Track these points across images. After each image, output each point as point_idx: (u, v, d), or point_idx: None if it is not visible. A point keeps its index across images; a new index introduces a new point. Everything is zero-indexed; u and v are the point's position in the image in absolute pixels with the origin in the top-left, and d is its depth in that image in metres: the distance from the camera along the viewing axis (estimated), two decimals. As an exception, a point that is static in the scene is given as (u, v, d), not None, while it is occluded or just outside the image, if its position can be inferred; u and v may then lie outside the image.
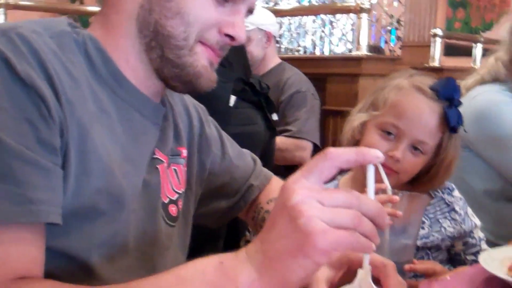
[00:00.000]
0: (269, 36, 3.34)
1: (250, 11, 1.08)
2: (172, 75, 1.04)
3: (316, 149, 3.12)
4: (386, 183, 1.33)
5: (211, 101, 2.20)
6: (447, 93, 1.47)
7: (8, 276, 0.79)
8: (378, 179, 1.31)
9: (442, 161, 1.52)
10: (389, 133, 1.48)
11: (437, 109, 1.47)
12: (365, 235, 0.70)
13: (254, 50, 3.24)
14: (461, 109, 2.06)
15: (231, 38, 1.05)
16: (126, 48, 1.03)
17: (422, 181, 1.55)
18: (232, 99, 2.44)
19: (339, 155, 0.72)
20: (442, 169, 1.53)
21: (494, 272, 1.20)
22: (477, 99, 2.05)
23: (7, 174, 0.81)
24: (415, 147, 1.47)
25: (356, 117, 1.57)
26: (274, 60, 3.45)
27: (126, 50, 1.03)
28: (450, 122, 1.47)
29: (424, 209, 1.36)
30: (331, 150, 0.72)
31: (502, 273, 1.19)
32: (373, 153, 0.73)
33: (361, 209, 0.70)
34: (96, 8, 3.82)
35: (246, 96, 2.52)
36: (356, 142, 1.55)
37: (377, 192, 0.82)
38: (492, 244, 1.66)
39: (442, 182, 1.58)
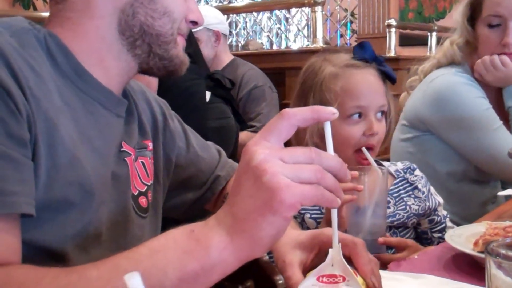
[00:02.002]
0: (217, 35, 3.34)
1: None
2: (159, 66, 1.11)
3: None
4: (373, 164, 1.37)
5: (189, 98, 2.23)
6: (371, 55, 1.53)
7: None
8: (367, 163, 1.37)
9: (389, 113, 1.59)
10: (353, 115, 1.50)
11: (374, 72, 1.53)
12: (329, 189, 0.72)
13: (204, 50, 3.22)
14: (420, 93, 2.11)
15: (194, 23, 1.13)
16: (102, 49, 1.06)
17: None
18: (207, 95, 2.46)
19: (295, 114, 0.73)
20: (392, 125, 1.61)
21: (460, 248, 1.22)
22: (435, 82, 2.09)
23: None
24: (378, 113, 1.52)
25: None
26: (226, 58, 3.46)
27: (101, 51, 1.06)
28: (391, 76, 1.54)
29: (386, 181, 1.39)
30: (287, 110, 0.74)
31: (468, 249, 1.21)
32: (328, 110, 0.75)
33: (322, 164, 0.72)
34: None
35: (217, 91, 2.55)
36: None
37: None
38: (457, 225, 1.68)
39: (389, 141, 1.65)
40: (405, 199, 1.59)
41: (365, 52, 1.53)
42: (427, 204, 1.60)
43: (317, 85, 1.55)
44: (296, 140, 1.51)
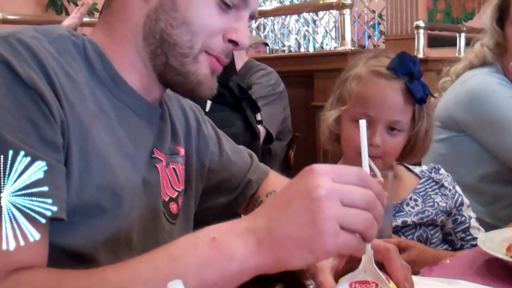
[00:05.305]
0: None
1: (252, 16, 1.11)
2: (175, 82, 1.07)
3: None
4: (376, 171, 1.36)
5: None
6: (404, 69, 1.51)
7: (9, 267, 0.80)
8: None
9: (418, 131, 1.57)
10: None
11: (398, 86, 1.51)
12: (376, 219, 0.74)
13: None
14: (452, 93, 2.08)
15: (235, 43, 1.07)
16: (132, 55, 1.06)
17: (402, 154, 1.60)
18: (208, 104, 2.46)
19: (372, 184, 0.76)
20: (420, 139, 1.58)
21: (492, 253, 1.21)
22: (468, 82, 2.07)
23: None
24: (391, 128, 1.52)
25: (328, 115, 1.62)
26: (240, 62, 3.41)
27: (131, 57, 1.06)
28: (416, 95, 1.51)
29: (392, 184, 1.39)
30: (365, 175, 0.77)
31: (500, 254, 1.20)
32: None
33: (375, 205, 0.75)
34: (84, 19, 3.80)
35: (223, 99, 2.54)
36: (336, 137, 1.61)
37: None
38: (491, 226, 1.67)
39: (423, 151, 1.63)
40: (432, 196, 1.61)
41: (398, 64, 1.51)
42: (454, 200, 1.62)
43: (343, 80, 1.60)
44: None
